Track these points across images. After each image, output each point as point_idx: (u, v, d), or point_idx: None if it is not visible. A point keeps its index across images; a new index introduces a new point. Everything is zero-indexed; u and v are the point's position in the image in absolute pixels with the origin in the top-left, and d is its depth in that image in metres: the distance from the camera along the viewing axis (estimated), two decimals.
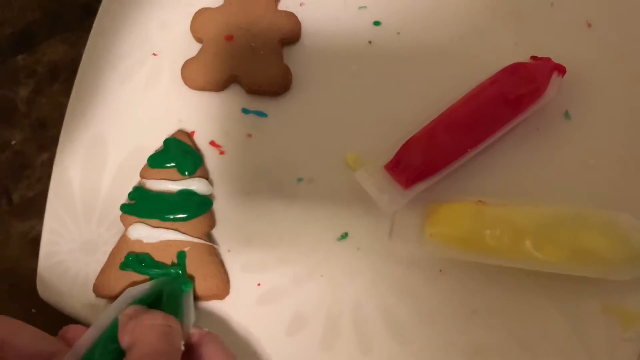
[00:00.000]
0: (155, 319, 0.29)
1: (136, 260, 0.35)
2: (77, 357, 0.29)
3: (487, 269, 0.34)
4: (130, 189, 0.37)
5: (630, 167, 0.35)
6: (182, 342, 0.30)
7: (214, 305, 0.35)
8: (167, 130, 0.39)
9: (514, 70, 0.36)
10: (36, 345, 0.29)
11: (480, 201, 0.34)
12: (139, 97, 0.40)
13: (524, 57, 0.37)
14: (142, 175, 0.37)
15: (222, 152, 0.38)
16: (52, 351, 0.30)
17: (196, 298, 0.35)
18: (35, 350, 0.29)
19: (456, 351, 0.33)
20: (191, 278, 0.35)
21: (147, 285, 0.34)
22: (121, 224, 0.36)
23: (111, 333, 0.30)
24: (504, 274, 0.34)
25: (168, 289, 0.33)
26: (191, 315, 0.33)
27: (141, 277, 0.35)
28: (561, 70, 0.36)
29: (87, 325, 0.31)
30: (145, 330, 0.29)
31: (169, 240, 0.35)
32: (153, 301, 0.32)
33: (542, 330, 0.33)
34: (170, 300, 0.32)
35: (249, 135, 0.38)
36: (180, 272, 0.35)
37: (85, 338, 0.30)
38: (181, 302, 0.33)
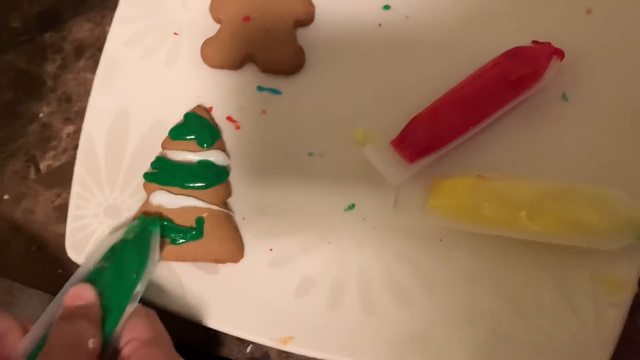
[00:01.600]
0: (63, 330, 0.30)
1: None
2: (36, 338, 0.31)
3: (485, 239, 0.36)
4: (150, 160, 0.39)
5: (621, 145, 0.37)
6: (94, 340, 0.30)
7: (230, 267, 0.37)
8: (186, 106, 0.41)
9: (516, 54, 0.38)
10: None
11: (480, 176, 0.36)
12: (160, 73, 0.42)
13: (525, 42, 0.39)
14: (163, 147, 0.39)
15: (238, 127, 0.41)
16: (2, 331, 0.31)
17: (212, 261, 0.37)
18: None
19: (454, 313, 0.35)
20: (207, 241, 0.37)
21: (106, 243, 0.36)
22: (142, 192, 0.39)
23: None
24: (501, 244, 0.36)
25: (135, 231, 0.35)
26: (155, 258, 0.35)
27: None
28: (560, 54, 0.38)
29: None
30: (51, 342, 0.30)
31: (189, 207, 0.37)
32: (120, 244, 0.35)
33: (535, 296, 0.35)
34: (137, 241, 0.35)
35: (264, 112, 0.41)
36: (142, 216, 0.37)
37: (34, 331, 0.31)
38: (148, 243, 0.35)
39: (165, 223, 0.37)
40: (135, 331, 0.31)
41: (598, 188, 0.34)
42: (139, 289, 0.34)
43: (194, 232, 0.37)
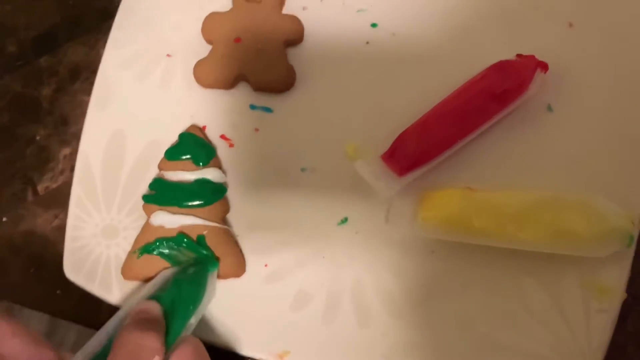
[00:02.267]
0: (130, 337, 0.30)
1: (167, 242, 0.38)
2: None
3: (475, 249, 0.36)
4: (146, 179, 0.40)
5: (605, 153, 0.38)
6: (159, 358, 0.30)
7: (225, 284, 0.38)
8: (180, 126, 0.42)
9: (501, 67, 0.39)
10: (25, 354, 0.29)
11: (468, 187, 0.37)
12: (154, 94, 0.43)
13: (510, 55, 0.39)
14: (160, 167, 0.40)
15: (231, 145, 0.41)
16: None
17: (218, 277, 0.38)
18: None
19: (446, 323, 0.36)
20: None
21: (167, 274, 0.36)
22: (139, 211, 0.39)
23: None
24: (491, 254, 0.36)
25: (195, 265, 0.36)
26: (211, 294, 0.36)
27: (163, 261, 0.38)
28: (544, 67, 0.39)
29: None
30: (117, 348, 0.29)
31: (189, 225, 0.38)
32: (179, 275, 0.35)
33: (525, 304, 0.36)
34: (195, 276, 0.35)
35: (256, 129, 0.42)
36: (205, 252, 0.37)
37: (91, 343, 0.31)
38: (205, 279, 0.36)
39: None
40: (183, 358, 0.31)
41: (585, 197, 0.35)
42: (193, 321, 0.34)
43: (205, 252, 0.37)
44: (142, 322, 0.31)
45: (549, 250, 0.35)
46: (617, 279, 0.35)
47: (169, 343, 0.32)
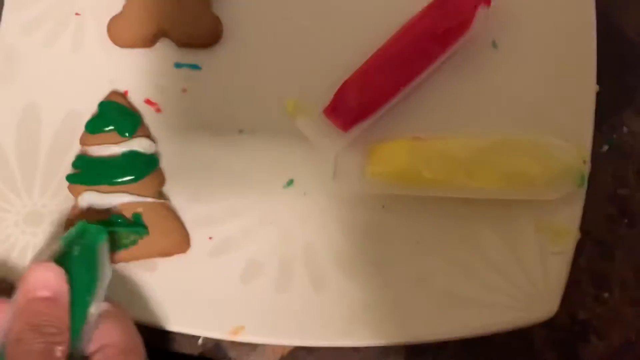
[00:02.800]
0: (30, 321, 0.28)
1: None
2: None
3: (427, 201, 0.35)
4: (69, 155, 0.37)
5: (555, 91, 0.37)
6: (61, 349, 0.28)
7: (169, 261, 0.36)
8: (100, 92, 0.38)
9: (441, 4, 0.37)
10: None
11: (416, 137, 0.36)
12: (66, 60, 0.38)
13: None
14: (82, 143, 0.36)
15: (158, 110, 0.38)
16: None
17: (159, 255, 0.35)
18: None
19: (403, 280, 0.35)
20: (150, 236, 0.35)
21: (54, 246, 0.32)
22: (64, 192, 0.36)
23: None
24: (443, 205, 0.35)
25: (79, 243, 0.32)
26: (107, 271, 0.32)
27: None
28: (486, 1, 0.37)
29: None
30: (15, 351, 0.27)
31: (122, 204, 0.35)
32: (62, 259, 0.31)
33: (481, 252, 0.35)
34: (83, 256, 0.31)
35: (184, 90, 0.38)
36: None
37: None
38: (95, 256, 0.32)
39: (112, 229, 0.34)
40: (107, 336, 0.29)
41: (535, 137, 0.35)
42: (94, 310, 0.30)
43: (138, 231, 0.35)
44: (39, 310, 0.29)
45: (502, 197, 0.34)
46: (570, 220, 0.35)
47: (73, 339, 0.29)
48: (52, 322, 0.28)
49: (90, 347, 0.29)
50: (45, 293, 0.29)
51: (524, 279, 0.34)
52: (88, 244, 0.32)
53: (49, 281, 0.29)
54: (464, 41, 0.36)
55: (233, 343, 0.36)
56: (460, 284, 0.35)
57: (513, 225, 0.35)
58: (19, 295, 0.29)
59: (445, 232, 0.35)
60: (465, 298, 0.34)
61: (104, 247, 0.33)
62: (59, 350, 0.28)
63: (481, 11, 0.36)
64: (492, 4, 0.37)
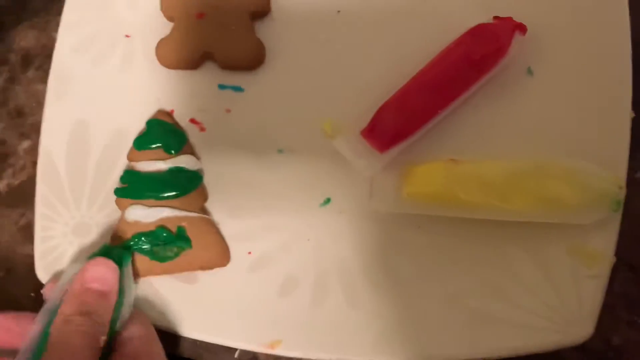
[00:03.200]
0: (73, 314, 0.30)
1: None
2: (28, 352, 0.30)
3: (461, 222, 0.36)
4: (116, 170, 0.38)
5: (589, 116, 0.37)
6: (104, 339, 0.30)
7: (210, 275, 0.37)
8: (147, 111, 0.39)
9: (478, 32, 0.38)
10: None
11: (451, 159, 0.36)
12: (115, 79, 0.40)
13: (487, 18, 0.38)
14: (130, 158, 0.38)
15: (202, 129, 0.39)
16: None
17: (200, 268, 0.36)
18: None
19: (436, 298, 0.35)
20: (192, 249, 0.36)
21: (79, 265, 0.34)
22: (112, 206, 0.37)
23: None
24: (477, 226, 0.36)
25: None
26: (132, 291, 0.34)
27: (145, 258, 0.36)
28: (522, 28, 0.37)
29: None
30: (62, 329, 0.29)
31: (167, 218, 0.36)
32: None
33: (514, 273, 0.35)
34: None
35: (228, 110, 0.40)
36: (107, 244, 0.36)
37: (34, 329, 0.30)
38: (122, 278, 0.33)
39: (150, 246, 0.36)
40: (135, 330, 0.31)
41: (569, 162, 0.35)
42: (118, 325, 0.32)
43: (181, 244, 0.36)
44: (94, 299, 0.31)
45: (536, 220, 0.35)
46: (605, 245, 0.35)
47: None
48: (100, 313, 0.30)
49: (122, 338, 0.31)
50: (100, 286, 0.31)
51: (558, 301, 0.34)
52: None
53: (105, 277, 0.31)
54: (500, 67, 0.37)
55: (269, 356, 0.37)
56: (492, 304, 0.35)
57: (547, 248, 0.35)
58: (75, 282, 0.31)
59: (479, 253, 0.36)
60: (498, 318, 0.35)
61: (128, 268, 0.34)
62: (102, 340, 0.29)
63: (517, 38, 0.37)
64: (528, 31, 0.37)
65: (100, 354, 0.30)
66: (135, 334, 0.31)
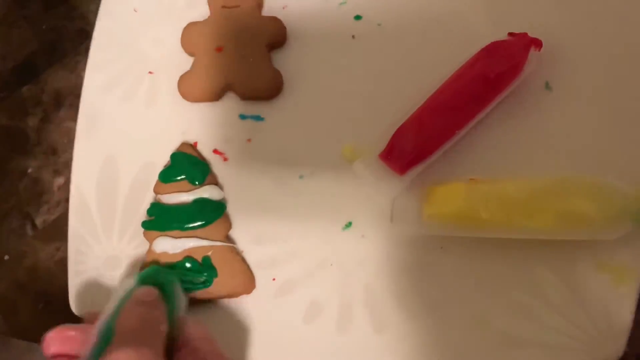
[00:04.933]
0: (137, 307, 0.31)
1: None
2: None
3: (485, 242, 0.35)
4: (143, 203, 0.39)
5: (610, 131, 0.37)
6: (165, 326, 0.30)
7: (235, 302, 0.37)
8: (172, 144, 0.41)
9: (493, 49, 0.37)
10: None
11: (472, 179, 0.36)
12: (141, 115, 0.42)
13: (501, 35, 0.38)
14: (156, 191, 0.39)
15: (225, 159, 0.40)
16: None
17: (226, 296, 0.37)
18: None
19: (462, 321, 0.35)
20: (218, 278, 0.37)
21: (132, 280, 0.33)
22: (140, 238, 0.39)
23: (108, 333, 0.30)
24: (501, 246, 0.35)
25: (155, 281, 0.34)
26: (182, 301, 0.33)
27: None
28: (537, 44, 0.37)
29: None
30: (126, 316, 0.30)
31: (193, 248, 0.37)
32: None
33: (540, 293, 0.35)
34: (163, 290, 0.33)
35: (249, 140, 0.40)
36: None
37: (89, 340, 0.30)
38: (171, 289, 0.33)
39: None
40: (196, 332, 0.32)
41: (591, 178, 0.34)
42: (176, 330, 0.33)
43: (208, 273, 0.37)
44: (146, 301, 0.31)
45: (560, 237, 0.34)
46: (633, 259, 0.34)
47: None
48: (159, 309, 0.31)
49: (183, 340, 0.31)
50: (149, 299, 0.31)
51: (587, 320, 0.34)
52: (165, 284, 0.34)
53: (151, 292, 0.32)
54: (517, 84, 0.37)
55: None
56: (519, 325, 0.34)
57: (573, 265, 0.35)
58: (127, 302, 0.32)
59: (503, 273, 0.35)
60: (526, 339, 0.34)
61: (177, 285, 0.35)
62: (163, 326, 0.30)
63: (533, 54, 0.37)
64: (544, 45, 0.37)
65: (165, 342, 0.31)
66: (196, 335, 0.32)
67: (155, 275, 0.35)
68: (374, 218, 0.38)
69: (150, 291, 0.32)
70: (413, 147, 0.37)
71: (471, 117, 0.37)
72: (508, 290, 0.35)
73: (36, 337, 0.41)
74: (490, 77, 0.37)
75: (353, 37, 0.41)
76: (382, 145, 0.38)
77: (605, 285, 0.34)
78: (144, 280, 0.34)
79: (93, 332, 0.31)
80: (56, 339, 0.31)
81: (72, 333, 0.31)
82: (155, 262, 0.37)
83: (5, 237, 0.44)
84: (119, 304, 0.32)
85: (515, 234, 0.34)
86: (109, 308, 0.33)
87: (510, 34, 0.38)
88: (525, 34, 0.38)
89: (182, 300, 0.34)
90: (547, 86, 0.38)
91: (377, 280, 0.37)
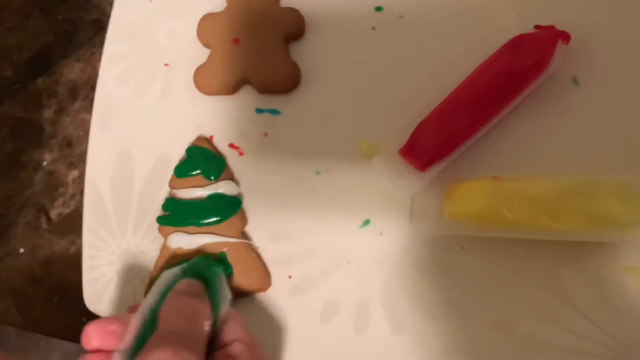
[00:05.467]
0: (181, 301, 0.30)
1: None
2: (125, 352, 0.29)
3: (508, 242, 0.34)
4: (158, 198, 0.39)
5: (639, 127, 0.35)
6: (209, 323, 0.30)
7: (251, 300, 0.37)
8: (187, 137, 0.40)
9: (518, 43, 0.36)
10: None
11: (495, 177, 0.35)
12: (156, 108, 0.41)
13: (527, 27, 0.37)
14: (171, 186, 0.38)
15: (241, 154, 0.40)
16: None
17: (241, 294, 0.36)
18: None
19: (484, 323, 0.34)
20: (234, 275, 0.36)
21: (176, 270, 0.33)
22: (155, 233, 0.38)
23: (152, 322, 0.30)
24: (525, 246, 0.34)
25: (200, 273, 0.34)
26: (226, 295, 0.33)
27: None
28: (565, 37, 0.36)
29: None
30: (169, 310, 0.29)
31: (208, 244, 0.37)
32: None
33: (566, 296, 0.34)
34: (208, 284, 0.33)
35: (265, 134, 0.40)
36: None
37: (129, 332, 0.30)
38: (215, 283, 0.33)
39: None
40: (236, 333, 0.31)
41: (620, 177, 0.33)
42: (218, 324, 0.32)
43: (224, 270, 0.36)
44: (191, 293, 0.31)
45: (587, 239, 0.33)
46: None
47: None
48: (204, 304, 0.31)
49: (224, 339, 0.30)
50: (194, 292, 0.31)
51: (615, 325, 0.32)
52: (208, 276, 0.34)
53: (196, 286, 0.31)
54: (543, 79, 0.36)
55: None
56: (544, 330, 0.33)
57: (600, 267, 0.33)
58: (170, 294, 0.31)
59: (527, 275, 0.34)
60: (550, 344, 0.33)
61: (222, 277, 0.34)
62: (207, 324, 0.29)
63: (560, 48, 0.36)
64: (572, 38, 0.36)
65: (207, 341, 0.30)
66: (237, 335, 0.31)
67: (200, 266, 0.34)
68: (393, 216, 0.37)
69: (195, 284, 0.32)
70: (434, 143, 0.36)
71: (495, 113, 0.36)
72: (532, 293, 0.34)
73: (51, 330, 0.41)
74: (515, 71, 0.35)
75: (373, 28, 0.40)
76: (402, 141, 0.36)
77: (635, 288, 0.33)
78: (188, 272, 0.33)
79: (132, 324, 0.30)
80: (97, 333, 0.30)
81: (113, 327, 0.30)
82: (171, 258, 0.37)
83: (21, 230, 0.44)
84: (161, 294, 0.31)
85: (540, 235, 0.33)
86: (150, 298, 0.32)
87: (536, 26, 0.37)
88: (553, 26, 0.36)
89: (226, 294, 0.34)
90: (575, 81, 0.37)
91: (395, 280, 0.36)
